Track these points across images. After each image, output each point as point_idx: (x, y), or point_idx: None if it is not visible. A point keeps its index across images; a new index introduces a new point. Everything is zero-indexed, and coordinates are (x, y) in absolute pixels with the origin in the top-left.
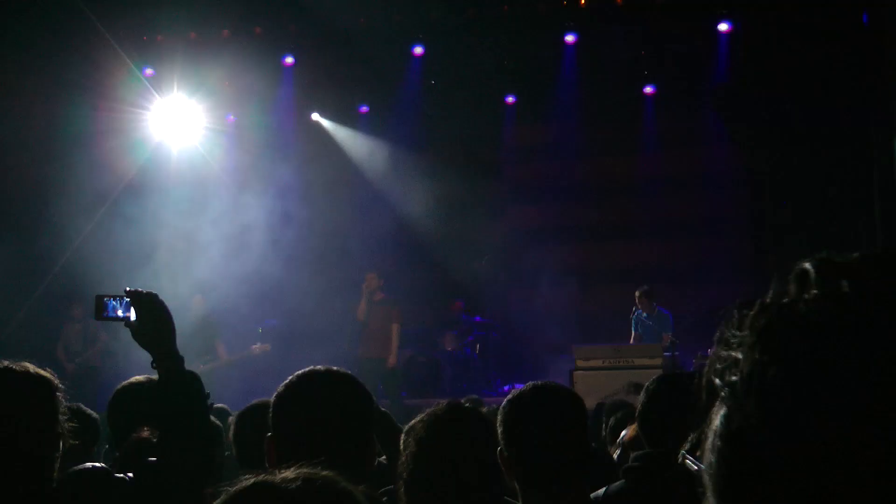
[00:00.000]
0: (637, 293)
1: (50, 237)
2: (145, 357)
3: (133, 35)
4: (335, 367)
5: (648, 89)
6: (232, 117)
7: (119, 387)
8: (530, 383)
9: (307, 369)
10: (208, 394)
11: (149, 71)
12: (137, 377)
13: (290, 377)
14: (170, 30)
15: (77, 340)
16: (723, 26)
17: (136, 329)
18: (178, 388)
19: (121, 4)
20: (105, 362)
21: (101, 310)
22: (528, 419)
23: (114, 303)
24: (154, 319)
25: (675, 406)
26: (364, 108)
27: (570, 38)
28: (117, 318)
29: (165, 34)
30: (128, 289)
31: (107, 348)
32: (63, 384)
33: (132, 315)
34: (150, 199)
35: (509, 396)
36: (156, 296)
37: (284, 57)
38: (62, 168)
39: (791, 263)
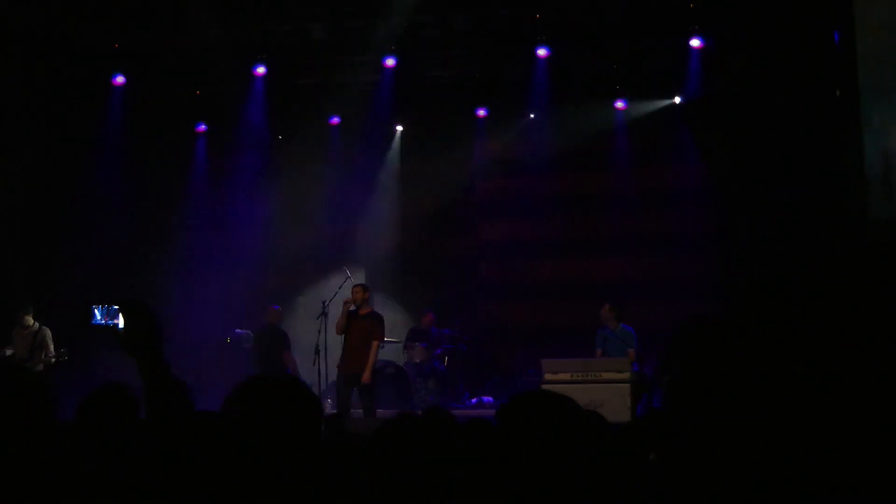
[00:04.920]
0: (606, 308)
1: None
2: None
3: None
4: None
5: (619, 104)
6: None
7: (91, 392)
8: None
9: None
10: (194, 402)
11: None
12: (112, 383)
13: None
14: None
15: (24, 347)
16: (695, 42)
17: (122, 337)
18: (164, 397)
19: None
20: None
21: (89, 317)
22: None
23: (101, 311)
24: (142, 327)
25: None
26: (335, 120)
27: (542, 52)
28: (105, 326)
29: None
30: (118, 298)
31: (52, 362)
32: None
33: (119, 323)
34: None
35: None
36: (144, 303)
37: (256, 67)
38: None
39: (759, 279)
